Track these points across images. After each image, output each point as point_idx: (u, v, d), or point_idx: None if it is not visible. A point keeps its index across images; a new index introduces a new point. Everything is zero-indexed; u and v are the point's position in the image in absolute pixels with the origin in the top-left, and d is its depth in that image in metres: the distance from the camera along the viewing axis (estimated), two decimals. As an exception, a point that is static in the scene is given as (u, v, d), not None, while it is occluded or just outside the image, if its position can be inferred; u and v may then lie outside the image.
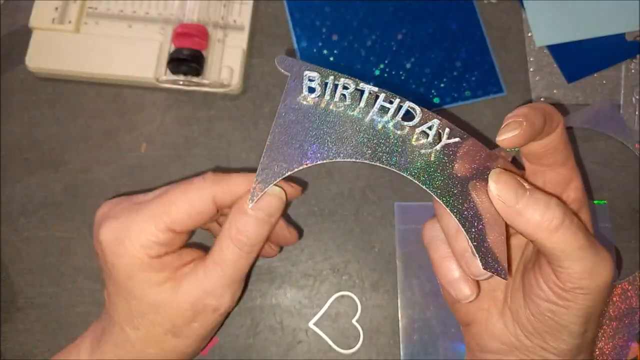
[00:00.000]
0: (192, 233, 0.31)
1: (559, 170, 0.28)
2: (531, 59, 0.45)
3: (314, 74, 0.26)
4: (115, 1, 0.43)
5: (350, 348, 0.39)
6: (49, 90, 0.43)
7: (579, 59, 0.45)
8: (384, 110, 0.27)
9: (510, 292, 0.29)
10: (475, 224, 0.26)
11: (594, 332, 0.28)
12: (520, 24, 0.46)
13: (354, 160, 0.27)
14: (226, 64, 0.42)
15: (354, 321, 0.39)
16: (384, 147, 0.27)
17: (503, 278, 0.26)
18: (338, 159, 0.27)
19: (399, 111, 0.27)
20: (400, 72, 0.44)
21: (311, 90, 0.27)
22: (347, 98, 0.27)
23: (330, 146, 0.27)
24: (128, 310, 0.29)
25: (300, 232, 0.39)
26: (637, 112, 0.44)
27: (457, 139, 0.27)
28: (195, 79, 0.41)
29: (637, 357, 0.38)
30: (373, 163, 0.27)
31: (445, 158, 0.27)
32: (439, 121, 0.27)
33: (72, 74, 0.42)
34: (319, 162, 0.27)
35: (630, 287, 0.39)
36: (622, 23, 0.45)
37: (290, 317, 0.39)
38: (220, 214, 0.32)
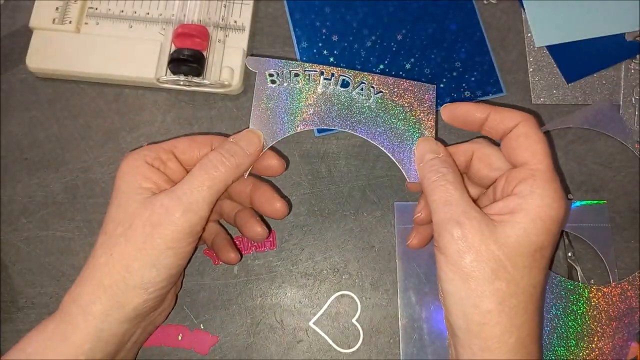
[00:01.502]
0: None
1: (522, 169, 0.31)
2: (531, 59, 0.45)
3: (272, 71, 0.35)
4: (115, 1, 0.43)
5: (350, 347, 0.39)
6: (49, 90, 0.43)
7: (578, 59, 0.45)
8: (327, 83, 0.35)
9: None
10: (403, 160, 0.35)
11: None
12: (520, 24, 0.46)
13: (316, 126, 0.35)
14: (227, 64, 0.42)
15: (353, 320, 0.39)
16: (334, 112, 0.35)
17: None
18: (305, 127, 0.35)
19: (337, 82, 0.35)
20: (400, 73, 0.44)
21: (272, 82, 0.35)
22: (298, 81, 0.35)
23: (295, 117, 0.35)
24: (118, 220, 0.31)
25: (289, 204, 0.40)
26: (636, 112, 0.44)
27: (381, 91, 0.35)
28: (195, 79, 0.41)
29: (637, 357, 0.38)
30: (330, 127, 0.35)
31: (382, 105, 0.35)
32: (367, 78, 0.35)
33: (73, 74, 0.42)
34: (292, 132, 0.35)
35: (630, 287, 0.39)
36: (622, 23, 0.45)
37: (291, 317, 0.39)
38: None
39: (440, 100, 0.43)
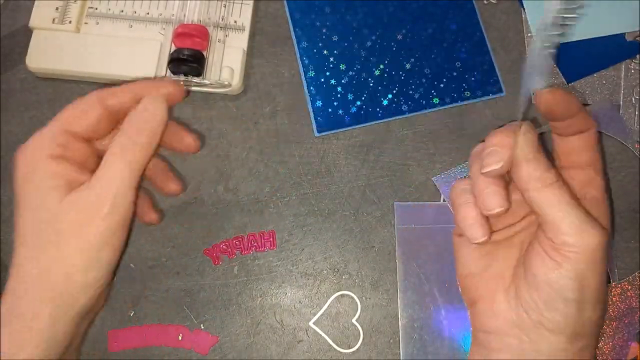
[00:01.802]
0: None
1: (583, 169, 0.32)
2: (531, 59, 0.45)
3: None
4: (115, 1, 0.43)
5: (350, 347, 0.39)
6: (49, 90, 0.43)
7: (578, 59, 0.45)
8: None
9: (515, 271, 0.30)
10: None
11: (592, 314, 0.28)
12: (520, 24, 0.46)
13: None
14: (227, 64, 0.42)
15: (354, 320, 0.39)
16: None
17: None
18: None
19: None
20: (400, 73, 0.44)
21: None
22: None
23: None
24: (37, 228, 0.29)
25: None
26: (637, 112, 0.44)
27: None
28: (195, 79, 0.41)
29: (637, 357, 0.38)
30: None
31: None
32: None
33: (73, 73, 0.42)
34: None
35: (630, 287, 0.39)
36: (622, 23, 0.45)
37: (291, 317, 0.39)
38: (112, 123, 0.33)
39: (440, 101, 0.43)
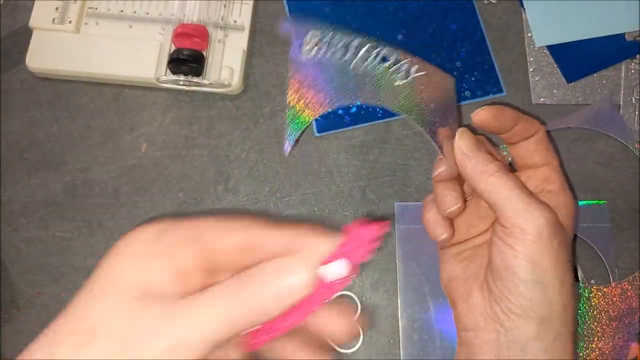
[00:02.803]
0: None
1: (538, 169, 0.34)
2: (531, 59, 0.45)
3: (312, 34, 0.33)
4: (115, 1, 0.43)
5: (350, 347, 0.39)
6: (49, 90, 0.43)
7: (578, 59, 0.45)
8: (365, 56, 0.34)
9: (486, 268, 0.32)
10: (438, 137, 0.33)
11: (555, 297, 0.29)
12: (520, 24, 0.46)
13: (349, 102, 0.33)
14: (226, 64, 0.42)
15: (353, 320, 0.39)
16: (369, 86, 0.33)
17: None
18: (335, 103, 0.33)
19: (377, 56, 0.34)
20: (400, 72, 0.44)
21: (309, 52, 0.34)
22: (337, 51, 0.33)
23: (331, 93, 0.33)
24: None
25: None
26: (637, 112, 0.44)
27: (423, 72, 0.34)
28: (195, 79, 0.41)
29: (637, 357, 0.38)
30: (363, 101, 0.33)
31: (414, 87, 0.34)
32: (408, 59, 0.34)
33: (73, 73, 0.42)
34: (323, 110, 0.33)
35: (630, 287, 0.39)
36: (622, 23, 0.45)
37: (290, 317, 0.39)
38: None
39: (440, 100, 0.43)
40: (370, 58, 0.34)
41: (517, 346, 0.29)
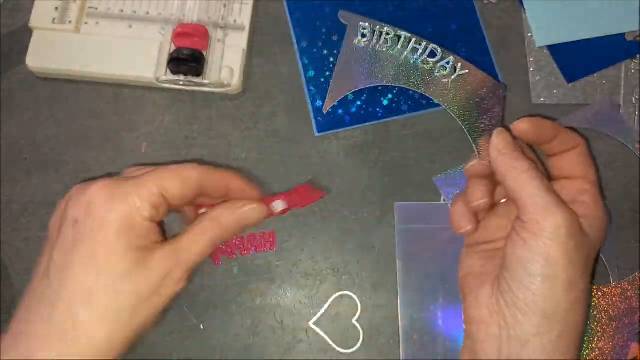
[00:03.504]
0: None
1: (574, 180, 0.34)
2: (531, 59, 0.45)
3: (366, 24, 0.39)
4: (115, 1, 0.43)
5: (350, 348, 0.39)
6: (49, 90, 0.43)
7: (578, 59, 0.45)
8: (415, 50, 0.39)
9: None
10: (477, 135, 0.37)
11: (563, 295, 0.29)
12: (520, 24, 0.46)
13: (393, 84, 0.39)
14: (226, 64, 0.42)
15: (354, 321, 0.39)
16: (415, 77, 0.39)
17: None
18: (382, 83, 0.39)
19: (425, 51, 0.39)
20: (400, 72, 0.44)
21: (363, 35, 0.39)
22: (388, 41, 0.39)
23: (377, 74, 0.39)
24: (84, 284, 0.28)
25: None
26: (637, 112, 0.44)
27: (466, 70, 0.38)
28: (195, 79, 0.41)
29: (637, 357, 0.38)
30: (408, 87, 0.39)
31: (459, 84, 0.38)
32: (453, 58, 0.38)
33: (72, 73, 0.42)
34: (369, 85, 0.39)
35: (630, 287, 0.39)
36: (622, 23, 0.45)
37: (291, 317, 0.39)
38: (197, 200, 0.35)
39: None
40: (420, 52, 0.38)
41: (517, 342, 0.29)
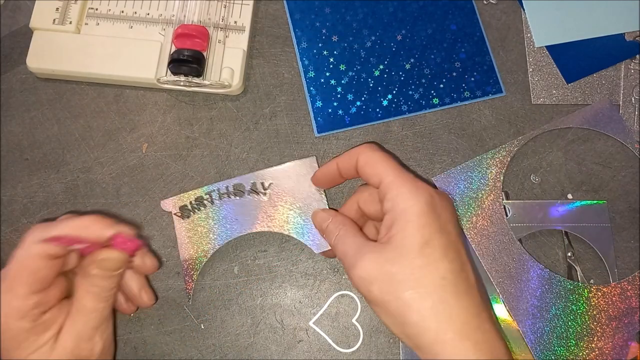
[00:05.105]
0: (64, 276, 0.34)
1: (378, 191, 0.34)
2: (530, 59, 0.45)
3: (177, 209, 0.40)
4: (116, 2, 0.43)
5: (350, 347, 0.39)
6: (49, 91, 0.43)
7: (578, 59, 0.45)
8: (227, 195, 0.40)
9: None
10: None
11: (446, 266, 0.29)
12: (520, 25, 0.46)
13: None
14: (227, 64, 0.42)
15: (354, 320, 0.39)
16: (240, 219, 0.40)
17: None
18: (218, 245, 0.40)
19: (232, 193, 0.40)
20: (400, 73, 0.44)
21: (186, 217, 0.40)
22: (201, 208, 0.40)
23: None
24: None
25: (156, 297, 0.39)
26: (636, 112, 0.44)
27: (272, 183, 0.41)
28: (196, 80, 0.41)
29: (637, 357, 0.38)
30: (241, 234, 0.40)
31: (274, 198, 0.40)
32: (251, 181, 0.41)
33: (73, 74, 0.42)
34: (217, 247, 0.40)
35: (629, 287, 0.39)
36: (621, 23, 0.45)
37: (291, 316, 0.39)
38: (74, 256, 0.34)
39: (440, 102, 0.43)
40: (228, 196, 0.40)
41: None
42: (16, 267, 0.31)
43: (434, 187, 0.36)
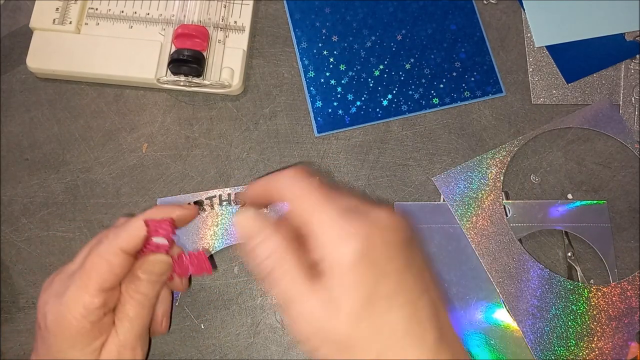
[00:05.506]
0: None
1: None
2: (530, 59, 0.45)
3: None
4: (116, 2, 0.43)
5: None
6: (49, 91, 0.43)
7: (578, 59, 0.45)
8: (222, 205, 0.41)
9: None
10: None
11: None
12: (520, 24, 0.46)
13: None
14: (227, 64, 0.42)
15: (354, 321, 0.39)
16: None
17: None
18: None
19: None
20: (400, 73, 0.44)
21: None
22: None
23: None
24: None
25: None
26: (636, 112, 0.44)
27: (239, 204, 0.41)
28: (196, 80, 0.41)
29: (637, 357, 0.38)
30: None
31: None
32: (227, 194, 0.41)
33: (73, 74, 0.42)
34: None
35: (629, 287, 0.39)
36: (621, 23, 0.45)
37: (291, 317, 0.39)
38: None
39: (440, 102, 0.43)
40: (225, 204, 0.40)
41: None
42: (93, 261, 0.31)
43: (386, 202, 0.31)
